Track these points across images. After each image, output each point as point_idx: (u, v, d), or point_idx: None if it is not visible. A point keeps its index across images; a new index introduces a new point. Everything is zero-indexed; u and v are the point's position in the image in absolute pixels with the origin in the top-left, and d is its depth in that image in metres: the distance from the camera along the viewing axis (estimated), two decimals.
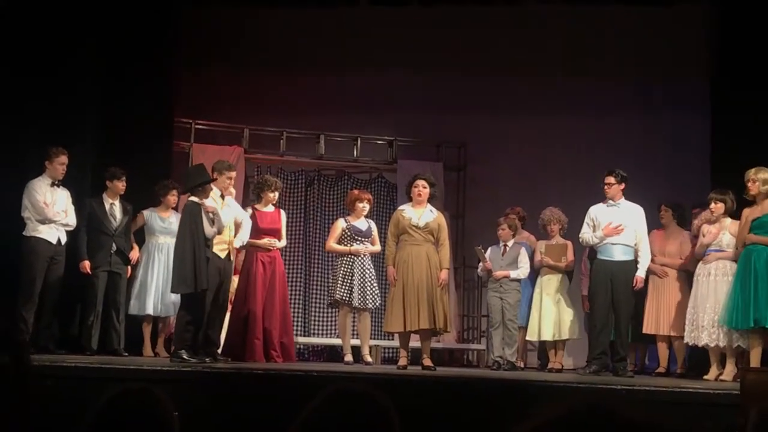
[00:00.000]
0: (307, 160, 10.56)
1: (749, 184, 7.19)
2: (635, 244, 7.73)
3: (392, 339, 9.82)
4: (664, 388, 5.89)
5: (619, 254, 7.71)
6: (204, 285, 7.19)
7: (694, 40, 10.09)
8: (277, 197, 8.31)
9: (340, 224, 8.53)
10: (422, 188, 7.84)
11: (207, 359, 7.29)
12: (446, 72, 10.63)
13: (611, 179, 7.77)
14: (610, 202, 7.81)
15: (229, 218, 7.76)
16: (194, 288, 7.16)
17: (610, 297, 7.65)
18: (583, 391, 5.79)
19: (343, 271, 8.37)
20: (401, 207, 8.05)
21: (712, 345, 7.31)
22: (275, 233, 8.21)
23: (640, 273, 7.67)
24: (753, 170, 7.19)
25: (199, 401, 5.72)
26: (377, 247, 8.50)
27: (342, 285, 8.33)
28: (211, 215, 7.29)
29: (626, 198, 7.86)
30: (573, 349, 9.15)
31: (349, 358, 8.33)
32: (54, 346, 7.93)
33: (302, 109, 10.64)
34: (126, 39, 9.00)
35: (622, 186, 7.79)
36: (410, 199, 7.92)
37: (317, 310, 10.27)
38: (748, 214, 7.19)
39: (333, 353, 10.14)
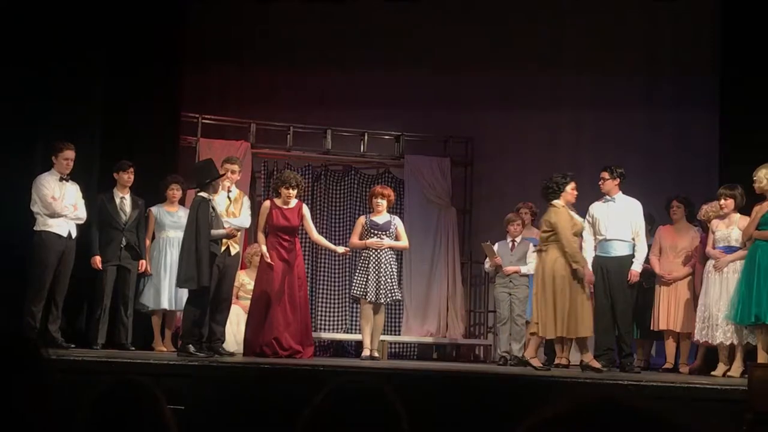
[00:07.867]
0: (313, 155, 10.52)
1: (756, 182, 7.19)
2: (632, 239, 7.72)
3: (399, 334, 9.84)
4: (672, 383, 5.88)
5: (615, 250, 7.70)
6: (206, 282, 7.20)
7: (701, 36, 10.06)
8: (294, 194, 8.10)
9: (361, 221, 8.57)
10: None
11: (212, 354, 7.30)
12: (454, 67, 10.60)
13: (605, 174, 7.79)
14: (606, 197, 7.81)
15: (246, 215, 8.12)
16: (197, 284, 7.19)
17: (609, 293, 7.65)
18: (590, 387, 5.79)
19: (361, 265, 8.39)
20: None
21: (727, 343, 7.29)
22: (291, 231, 8.04)
23: (635, 267, 7.65)
24: (760, 167, 7.19)
25: (206, 395, 5.73)
26: (400, 243, 8.49)
27: (359, 280, 8.34)
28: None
29: (630, 194, 7.85)
30: None
31: (366, 353, 8.21)
32: (61, 341, 7.94)
33: (309, 103, 10.63)
34: (133, 34, 9.00)
35: (617, 181, 7.77)
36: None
37: (323, 305, 10.24)
38: (758, 210, 7.18)
39: (339, 348, 10.13)
